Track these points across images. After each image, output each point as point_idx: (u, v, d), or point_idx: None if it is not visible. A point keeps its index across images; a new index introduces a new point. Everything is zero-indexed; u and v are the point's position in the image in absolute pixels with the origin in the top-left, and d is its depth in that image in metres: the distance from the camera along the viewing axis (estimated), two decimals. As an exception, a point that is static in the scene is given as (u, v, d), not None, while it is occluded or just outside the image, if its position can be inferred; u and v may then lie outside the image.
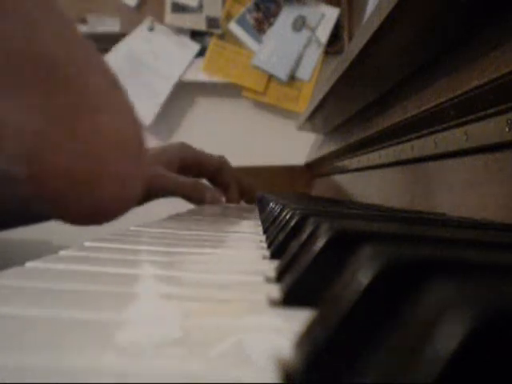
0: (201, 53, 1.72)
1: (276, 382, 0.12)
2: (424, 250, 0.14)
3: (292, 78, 1.69)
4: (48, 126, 0.32)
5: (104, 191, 0.35)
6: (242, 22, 1.72)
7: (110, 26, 1.72)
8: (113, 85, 0.37)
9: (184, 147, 0.88)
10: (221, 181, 0.90)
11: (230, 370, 0.12)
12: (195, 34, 1.73)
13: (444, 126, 0.50)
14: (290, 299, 0.19)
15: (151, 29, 1.73)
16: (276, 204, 0.52)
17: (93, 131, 0.33)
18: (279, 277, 0.23)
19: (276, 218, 0.42)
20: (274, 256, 0.30)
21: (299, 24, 1.69)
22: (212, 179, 0.90)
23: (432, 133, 0.54)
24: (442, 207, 0.51)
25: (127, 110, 0.37)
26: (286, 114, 1.70)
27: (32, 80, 0.32)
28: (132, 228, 0.41)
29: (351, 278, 0.13)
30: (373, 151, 0.78)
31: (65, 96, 0.33)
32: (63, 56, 0.33)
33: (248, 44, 1.71)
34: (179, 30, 1.72)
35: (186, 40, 1.72)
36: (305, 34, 1.69)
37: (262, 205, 0.82)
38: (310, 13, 1.69)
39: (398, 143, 0.65)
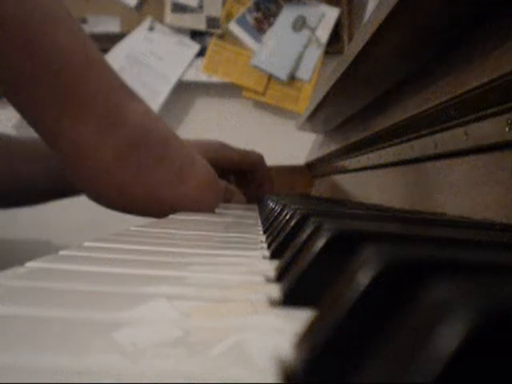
0: (201, 53, 1.72)
1: (276, 382, 0.12)
2: (424, 250, 0.14)
3: (292, 77, 1.69)
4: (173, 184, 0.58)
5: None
6: (241, 22, 1.72)
7: (110, 25, 1.72)
8: (194, 155, 0.61)
9: (222, 148, 0.91)
10: (253, 179, 0.97)
11: (229, 369, 0.12)
12: (195, 34, 1.73)
13: (444, 126, 0.50)
14: (290, 299, 0.19)
15: (151, 29, 1.73)
16: (276, 204, 0.52)
17: (193, 182, 0.59)
18: (279, 277, 0.23)
19: (276, 217, 0.42)
20: (274, 256, 0.30)
21: (299, 24, 1.69)
22: (245, 177, 0.97)
23: (432, 133, 0.54)
24: (442, 207, 0.51)
25: (204, 163, 0.62)
26: (286, 114, 1.70)
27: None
28: (132, 228, 0.41)
29: (351, 278, 0.13)
30: (373, 151, 0.78)
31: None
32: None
33: (248, 44, 1.71)
34: (179, 30, 1.72)
35: (186, 40, 1.72)
36: (305, 33, 1.69)
37: (262, 205, 0.82)
38: (310, 13, 1.69)
39: (398, 143, 0.65)
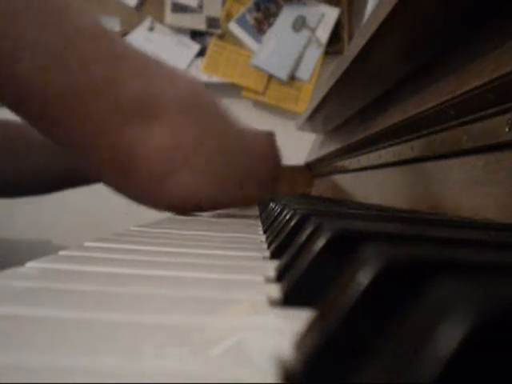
0: (201, 53, 1.72)
1: (276, 382, 0.12)
2: (424, 249, 0.14)
3: (292, 78, 1.69)
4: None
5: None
6: (241, 22, 1.72)
7: (110, 26, 1.72)
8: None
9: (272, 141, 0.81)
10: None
11: (229, 369, 0.12)
12: (195, 34, 1.73)
13: (444, 126, 0.50)
14: (290, 299, 0.19)
15: (151, 29, 1.73)
16: (276, 204, 0.52)
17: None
18: (279, 277, 0.23)
19: (276, 217, 0.42)
20: (274, 256, 0.30)
21: (299, 24, 1.69)
22: None
23: (432, 133, 0.54)
24: (443, 207, 0.51)
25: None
26: (286, 114, 1.70)
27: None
28: (132, 228, 0.41)
29: (351, 278, 0.13)
30: (373, 151, 0.78)
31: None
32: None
33: (248, 44, 1.71)
34: (179, 30, 1.72)
35: (186, 40, 1.72)
36: (305, 33, 1.69)
37: (261, 205, 0.82)
38: (310, 13, 1.69)
39: (398, 143, 0.65)
